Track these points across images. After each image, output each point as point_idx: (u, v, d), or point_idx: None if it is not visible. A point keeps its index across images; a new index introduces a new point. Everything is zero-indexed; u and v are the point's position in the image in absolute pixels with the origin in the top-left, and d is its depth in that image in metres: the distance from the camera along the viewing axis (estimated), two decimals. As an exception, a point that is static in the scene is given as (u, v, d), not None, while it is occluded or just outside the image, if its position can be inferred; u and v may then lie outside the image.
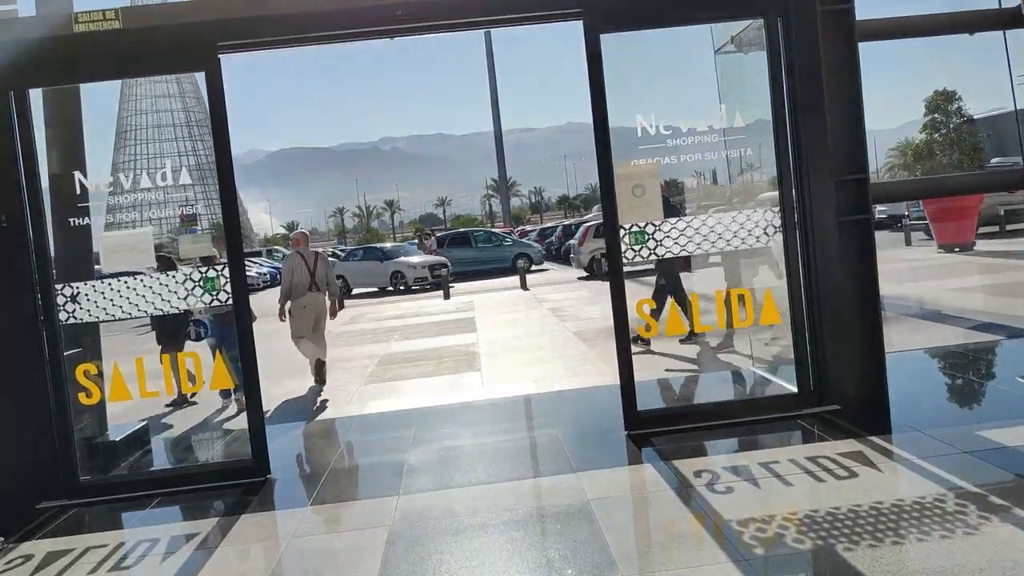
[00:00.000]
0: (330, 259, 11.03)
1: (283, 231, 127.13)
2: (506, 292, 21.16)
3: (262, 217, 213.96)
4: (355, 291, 27.10)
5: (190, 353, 6.45)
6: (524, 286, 21.66)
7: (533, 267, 28.93)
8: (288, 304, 9.46)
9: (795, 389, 6.23)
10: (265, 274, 39.47)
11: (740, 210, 6.23)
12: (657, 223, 6.10)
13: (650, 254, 6.13)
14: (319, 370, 9.67)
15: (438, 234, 43.02)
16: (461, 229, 46.45)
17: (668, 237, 6.11)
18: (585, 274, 24.53)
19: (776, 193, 6.29)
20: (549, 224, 52.68)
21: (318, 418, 7.86)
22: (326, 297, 9.52)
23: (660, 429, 5.99)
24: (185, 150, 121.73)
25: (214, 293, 6.05)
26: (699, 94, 7.49)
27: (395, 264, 27.38)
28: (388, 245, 33.17)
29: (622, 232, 6.07)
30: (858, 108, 5.81)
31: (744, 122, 6.18)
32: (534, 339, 11.79)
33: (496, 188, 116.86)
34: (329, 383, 9.66)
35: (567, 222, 43.27)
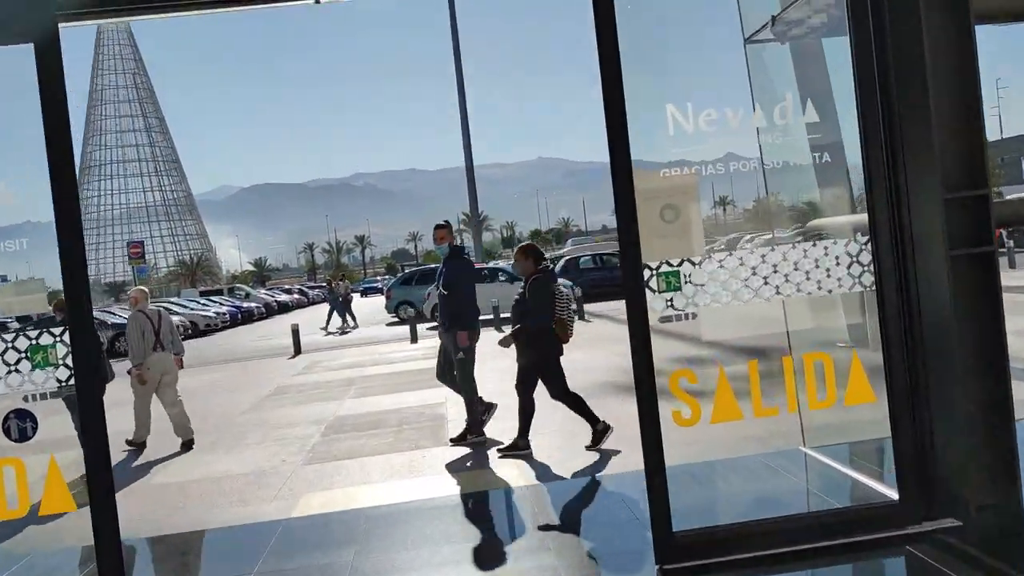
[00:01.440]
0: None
1: (251, 268, 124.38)
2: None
3: (231, 253, 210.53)
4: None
5: (9, 460, 4.41)
6: (500, 327, 19.74)
7: (508, 305, 27.09)
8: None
9: (893, 494, 4.38)
10: (225, 313, 37.19)
11: (812, 240, 4.43)
12: (696, 260, 4.26)
13: (687, 304, 4.29)
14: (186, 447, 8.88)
15: (408, 270, 41.04)
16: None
17: (713, 280, 4.27)
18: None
19: (859, 217, 4.53)
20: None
21: (226, 522, 5.83)
22: (171, 356, 9.19)
23: (707, 561, 4.10)
24: (151, 185, 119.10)
25: (47, 368, 4.12)
26: (727, 92, 5.70)
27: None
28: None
29: (647, 273, 4.23)
30: (975, 102, 4.09)
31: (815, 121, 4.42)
32: (512, 396, 9.84)
33: (468, 223, 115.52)
34: (261, 462, 7.68)
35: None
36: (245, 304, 43.18)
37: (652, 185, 4.31)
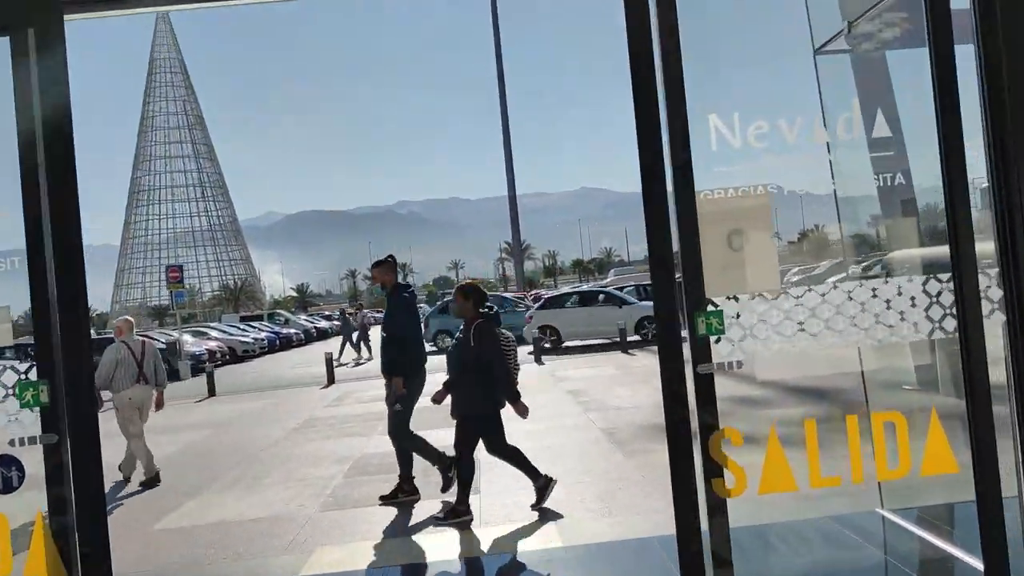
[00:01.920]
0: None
1: (293, 293, 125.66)
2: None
3: (275, 279, 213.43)
4: (567, 343, 23.48)
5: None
6: (539, 359, 19.26)
7: (548, 335, 26.52)
8: (111, 398, 8.78)
9: (978, 565, 3.80)
10: (263, 339, 37.24)
11: (883, 277, 3.90)
12: (772, 296, 3.76)
13: (732, 351, 3.78)
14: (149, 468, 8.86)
15: (446, 298, 40.84)
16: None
17: (789, 319, 3.77)
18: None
19: (938, 250, 4.00)
20: (565, 289, 50.48)
21: None
22: (153, 389, 8.95)
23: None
24: (198, 210, 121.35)
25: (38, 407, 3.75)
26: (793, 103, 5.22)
27: (640, 310, 23.05)
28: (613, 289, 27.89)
29: (708, 310, 3.74)
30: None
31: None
32: (551, 439, 9.37)
33: (510, 251, 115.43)
34: (278, 506, 7.27)
35: (585, 287, 40.94)
36: (284, 330, 43.28)
37: (716, 207, 3.81)
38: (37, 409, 3.77)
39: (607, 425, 9.90)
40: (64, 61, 3.60)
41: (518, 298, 33.01)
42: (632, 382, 13.74)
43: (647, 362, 16.68)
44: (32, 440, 3.89)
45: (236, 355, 33.57)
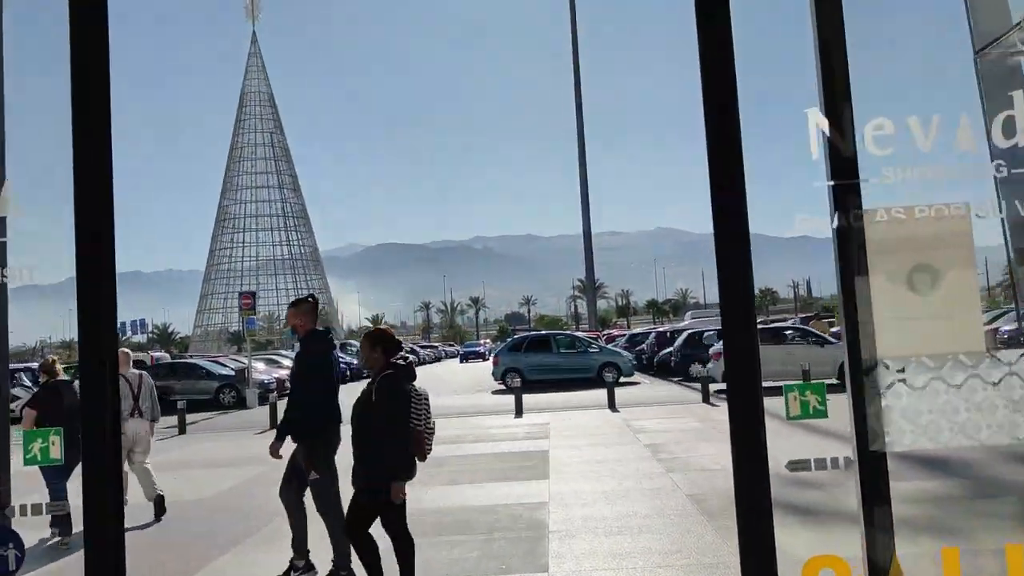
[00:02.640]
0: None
1: (367, 324, 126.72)
2: (590, 412, 17.54)
3: (353, 308, 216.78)
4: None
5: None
6: (612, 405, 18.01)
7: (622, 378, 25.19)
8: None
9: None
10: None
11: None
12: (971, 360, 2.66)
13: (963, 434, 2.68)
14: (158, 505, 8.68)
15: (518, 335, 39.77)
16: (542, 331, 43.15)
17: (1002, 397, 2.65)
18: (673, 383, 20.65)
19: None
20: (639, 329, 48.90)
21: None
22: (148, 423, 8.88)
23: None
24: (279, 239, 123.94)
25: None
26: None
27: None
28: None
29: (887, 377, 2.67)
30: None
31: None
32: (630, 503, 8.19)
33: (583, 289, 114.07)
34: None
35: (661, 328, 39.42)
36: (356, 361, 42.96)
37: (889, 232, 2.74)
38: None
39: (694, 490, 8.67)
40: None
41: (591, 338, 31.74)
42: (718, 438, 12.40)
43: (733, 415, 15.30)
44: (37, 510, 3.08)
45: (305, 384, 33.20)
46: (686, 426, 14.08)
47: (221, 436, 17.47)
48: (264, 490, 8.40)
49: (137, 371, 9.06)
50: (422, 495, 9.09)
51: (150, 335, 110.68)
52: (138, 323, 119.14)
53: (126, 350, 9.50)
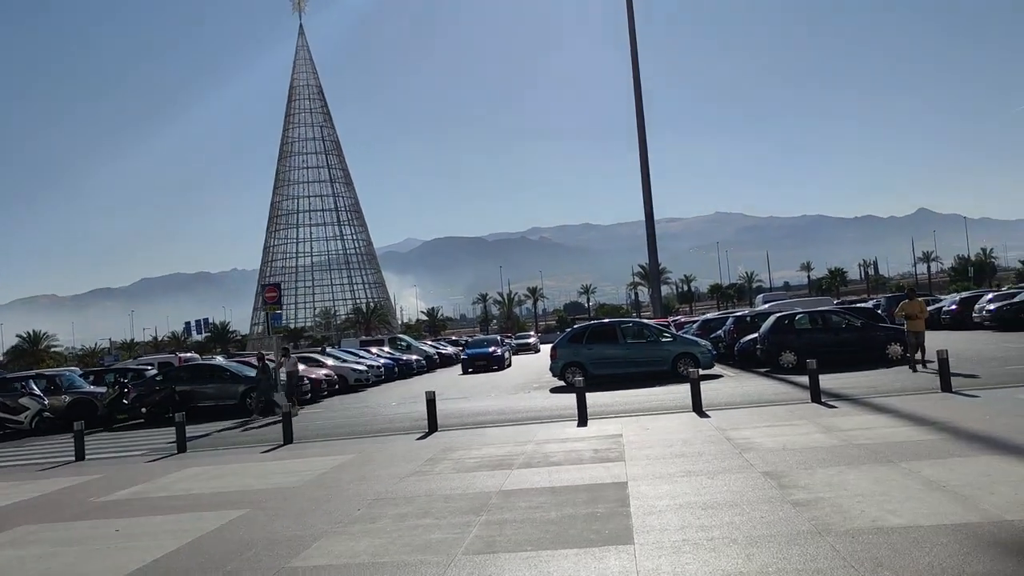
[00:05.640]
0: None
1: (423, 317, 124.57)
2: (672, 418, 14.09)
3: (411, 302, 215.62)
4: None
5: None
6: (699, 408, 14.53)
7: (700, 371, 21.54)
8: None
9: None
10: (379, 367, 33.75)
11: None
12: None
13: None
14: None
15: (579, 324, 36.28)
16: (605, 320, 39.47)
17: None
18: (769, 375, 16.98)
19: None
20: (711, 314, 44.88)
21: None
22: None
23: None
24: (332, 234, 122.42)
25: None
26: None
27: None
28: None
29: None
30: None
31: None
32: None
33: (644, 276, 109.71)
34: None
35: (740, 312, 35.40)
36: (404, 356, 40.05)
37: None
38: None
39: (857, 549, 5.27)
40: None
41: (661, 325, 28.05)
42: (863, 460, 8.88)
43: (862, 423, 11.67)
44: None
45: (348, 384, 30.27)
46: (808, 439, 10.54)
47: (223, 455, 14.52)
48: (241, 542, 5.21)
49: None
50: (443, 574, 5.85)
51: (207, 334, 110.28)
52: (201, 323, 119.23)
53: None
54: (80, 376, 27.51)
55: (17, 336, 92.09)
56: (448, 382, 30.39)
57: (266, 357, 22.63)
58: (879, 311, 30.49)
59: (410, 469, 10.79)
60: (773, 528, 6.47)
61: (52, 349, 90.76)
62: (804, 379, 15.83)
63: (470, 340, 51.55)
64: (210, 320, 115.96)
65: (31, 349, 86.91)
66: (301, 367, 29.27)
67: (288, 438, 15.09)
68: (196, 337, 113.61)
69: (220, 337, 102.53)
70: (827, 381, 16.29)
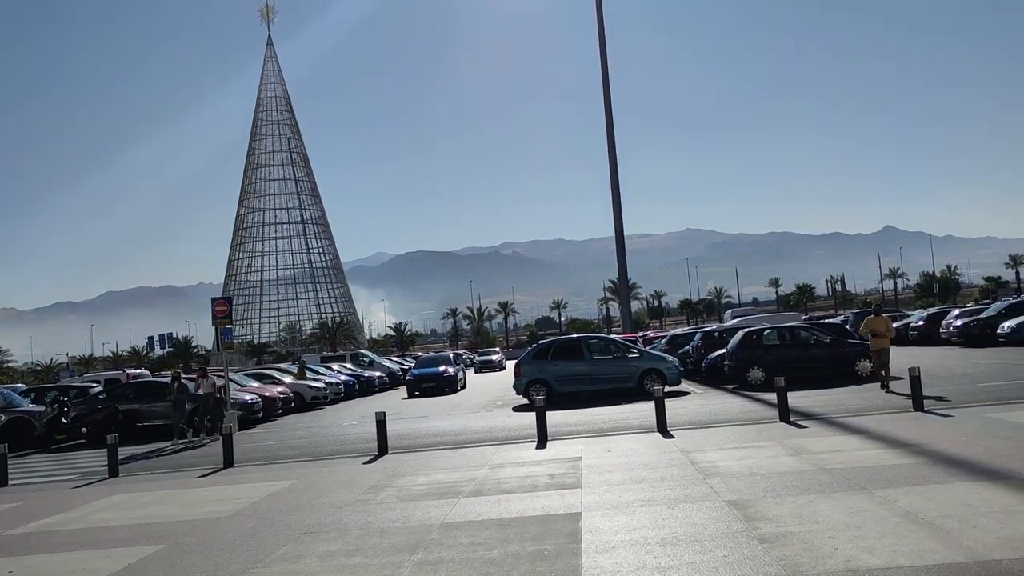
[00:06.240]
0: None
1: (390, 332, 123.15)
2: (635, 438, 13.42)
3: (380, 316, 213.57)
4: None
5: None
6: (663, 427, 13.87)
7: (667, 387, 20.96)
8: None
9: None
10: (339, 384, 32.56)
11: None
12: None
13: None
14: None
15: (546, 340, 35.67)
16: (573, 335, 38.81)
17: None
18: (735, 393, 16.40)
19: None
20: (679, 330, 44.45)
21: None
22: None
23: None
24: (299, 247, 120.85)
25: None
26: None
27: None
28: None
29: None
30: None
31: None
32: None
33: (614, 291, 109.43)
34: None
35: (707, 327, 34.89)
36: (366, 373, 39.00)
37: None
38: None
39: None
40: None
41: (628, 341, 27.44)
42: (835, 487, 8.25)
43: (833, 444, 11.06)
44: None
45: (304, 402, 29.26)
46: (776, 463, 9.90)
47: (156, 480, 13.56)
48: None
49: None
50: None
51: (169, 349, 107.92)
52: (165, 337, 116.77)
53: None
54: (20, 394, 26.24)
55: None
56: (408, 400, 29.52)
57: (182, 377, 21.38)
58: (847, 327, 30.18)
59: (350, 498, 9.97)
60: (737, 570, 5.77)
61: (6, 364, 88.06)
62: (772, 396, 15.26)
63: (418, 358, 43.94)
64: (174, 335, 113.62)
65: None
66: (255, 384, 28.27)
67: (228, 461, 14.17)
68: (159, 352, 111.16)
69: (183, 352, 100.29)
70: (796, 399, 15.76)
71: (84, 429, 21.93)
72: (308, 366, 37.20)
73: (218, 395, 20.51)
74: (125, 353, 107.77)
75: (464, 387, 34.40)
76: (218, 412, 20.16)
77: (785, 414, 13.86)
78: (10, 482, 14.42)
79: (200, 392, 20.01)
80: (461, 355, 61.76)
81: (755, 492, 8.29)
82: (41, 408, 23.36)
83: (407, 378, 34.61)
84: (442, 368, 33.40)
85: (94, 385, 28.64)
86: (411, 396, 31.20)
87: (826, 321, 37.35)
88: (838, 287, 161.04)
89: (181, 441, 19.29)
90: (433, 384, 31.91)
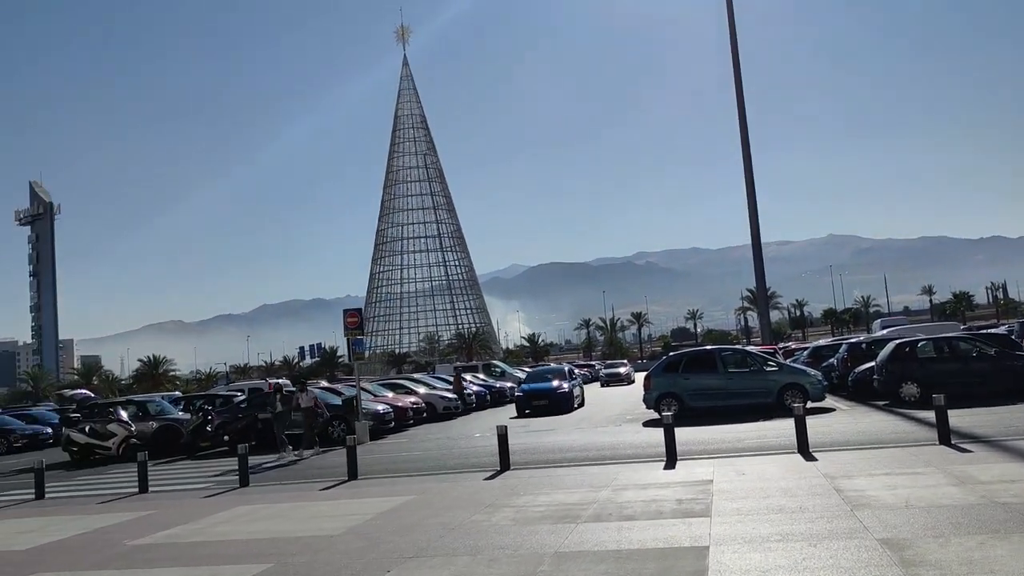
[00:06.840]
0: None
1: (524, 343, 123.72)
2: (772, 459, 12.38)
3: (515, 327, 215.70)
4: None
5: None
6: (805, 449, 12.76)
7: (809, 403, 19.57)
8: None
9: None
10: (470, 394, 32.80)
11: None
12: None
13: None
14: None
15: (682, 349, 34.43)
16: (708, 346, 37.25)
17: None
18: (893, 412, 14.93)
19: None
20: (823, 341, 41.97)
21: None
22: None
23: None
24: (436, 260, 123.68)
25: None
26: None
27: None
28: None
29: None
30: None
31: None
32: None
33: (753, 300, 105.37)
34: None
35: (854, 338, 32.50)
36: (498, 383, 38.98)
37: None
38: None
39: None
40: None
41: (767, 353, 25.92)
42: (1013, 527, 7.10)
43: (1005, 473, 9.72)
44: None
45: (436, 413, 29.43)
46: (937, 493, 8.74)
47: (281, 491, 13.70)
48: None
49: None
50: None
51: (317, 358, 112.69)
52: (314, 347, 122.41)
53: None
54: (171, 402, 27.70)
55: (138, 360, 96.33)
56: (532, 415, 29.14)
57: (284, 389, 21.58)
58: (1013, 338, 27.37)
59: (464, 517, 9.58)
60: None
61: (171, 373, 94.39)
62: (929, 415, 13.80)
63: (530, 371, 39.04)
64: (322, 345, 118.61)
65: (151, 373, 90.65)
66: (390, 395, 28.69)
67: (352, 473, 14.16)
68: (308, 361, 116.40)
69: (328, 362, 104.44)
70: (957, 418, 14.15)
71: (226, 437, 22.78)
72: (440, 376, 37.54)
73: (317, 409, 20.64)
74: (277, 363, 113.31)
75: (582, 405, 30.31)
76: (317, 425, 20.30)
77: (945, 436, 12.43)
78: (150, 489, 14.99)
79: (301, 405, 20.17)
80: (582, 367, 59.77)
81: (913, 529, 7.26)
82: (188, 416, 24.52)
83: (516, 394, 30.70)
84: (555, 383, 29.33)
85: (238, 394, 29.88)
86: (520, 415, 27.49)
87: (989, 331, 34.16)
88: (999, 295, 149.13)
89: (294, 452, 19.43)
90: (545, 402, 27.93)
